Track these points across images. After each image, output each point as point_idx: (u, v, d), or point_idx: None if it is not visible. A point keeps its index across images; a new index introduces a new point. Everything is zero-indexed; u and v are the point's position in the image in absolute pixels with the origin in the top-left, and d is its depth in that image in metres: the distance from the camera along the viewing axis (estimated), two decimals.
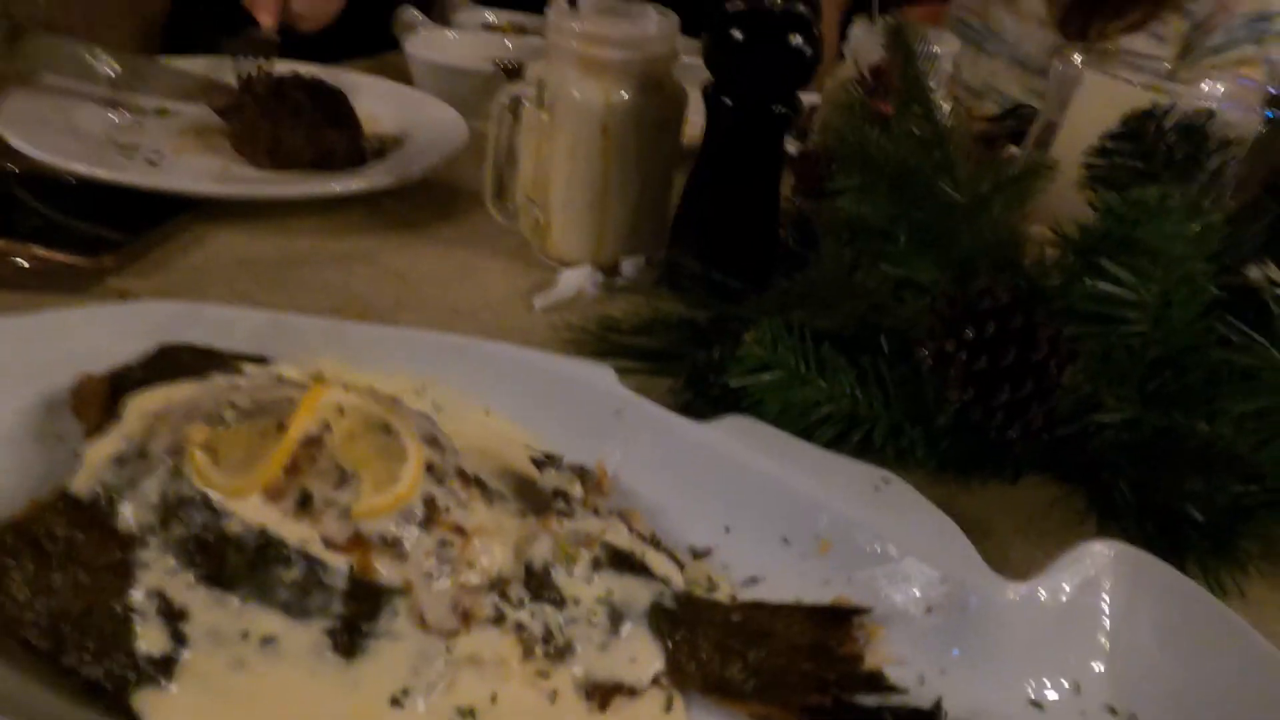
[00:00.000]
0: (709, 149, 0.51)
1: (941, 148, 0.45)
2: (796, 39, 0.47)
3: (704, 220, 0.53)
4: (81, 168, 0.51)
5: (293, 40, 0.76)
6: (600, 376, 0.39)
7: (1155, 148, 0.39)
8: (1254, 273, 0.39)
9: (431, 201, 0.62)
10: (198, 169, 0.59)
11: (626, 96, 0.50)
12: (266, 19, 0.70)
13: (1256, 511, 0.36)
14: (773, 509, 0.35)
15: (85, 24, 0.72)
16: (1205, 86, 0.51)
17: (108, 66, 0.62)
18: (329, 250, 0.54)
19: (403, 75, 0.80)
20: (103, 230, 0.51)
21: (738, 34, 0.46)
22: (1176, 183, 0.38)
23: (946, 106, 0.62)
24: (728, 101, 0.48)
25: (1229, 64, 0.95)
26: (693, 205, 0.53)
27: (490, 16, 0.98)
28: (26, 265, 0.46)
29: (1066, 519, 0.40)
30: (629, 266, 0.54)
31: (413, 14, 0.93)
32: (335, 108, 0.61)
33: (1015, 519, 0.41)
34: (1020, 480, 0.43)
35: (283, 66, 0.71)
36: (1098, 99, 0.48)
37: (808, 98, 0.59)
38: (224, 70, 0.70)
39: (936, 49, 0.61)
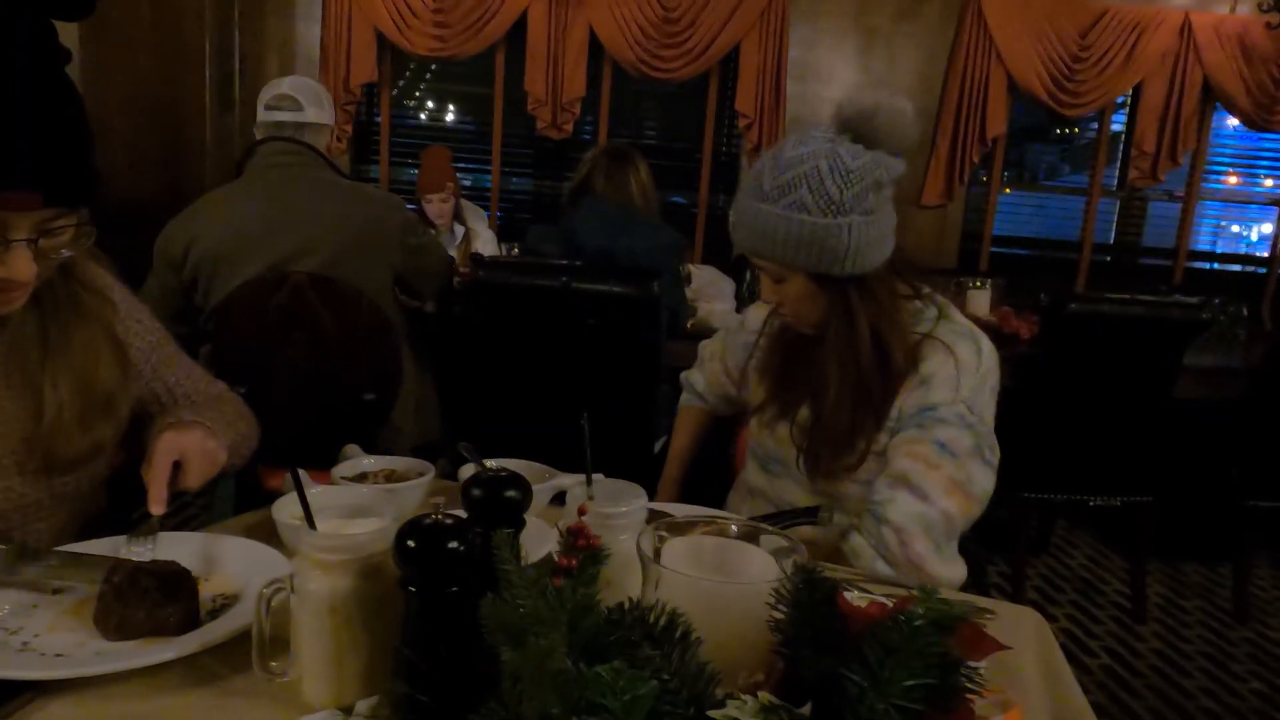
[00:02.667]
0: (407, 615, 0.69)
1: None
2: (453, 544, 0.67)
3: (412, 663, 0.69)
4: None
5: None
6: None
7: (640, 624, 0.57)
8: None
9: (240, 651, 0.79)
10: (61, 644, 0.78)
11: (348, 584, 0.70)
12: (156, 509, 0.94)
13: None
14: None
15: (22, 521, 0.97)
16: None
17: (24, 566, 0.85)
18: (138, 714, 0.71)
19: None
20: None
21: (410, 543, 0.67)
22: (657, 652, 0.55)
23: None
24: (411, 588, 0.68)
25: (901, 444, 1.11)
26: (402, 653, 0.70)
27: (368, 464, 1.24)
28: None
29: None
30: (362, 706, 0.70)
31: (301, 475, 1.19)
32: (176, 587, 0.82)
33: None
34: None
35: (169, 538, 0.95)
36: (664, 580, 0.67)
37: None
38: (120, 549, 0.93)
39: (623, 509, 0.83)
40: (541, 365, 2.32)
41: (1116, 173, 4.61)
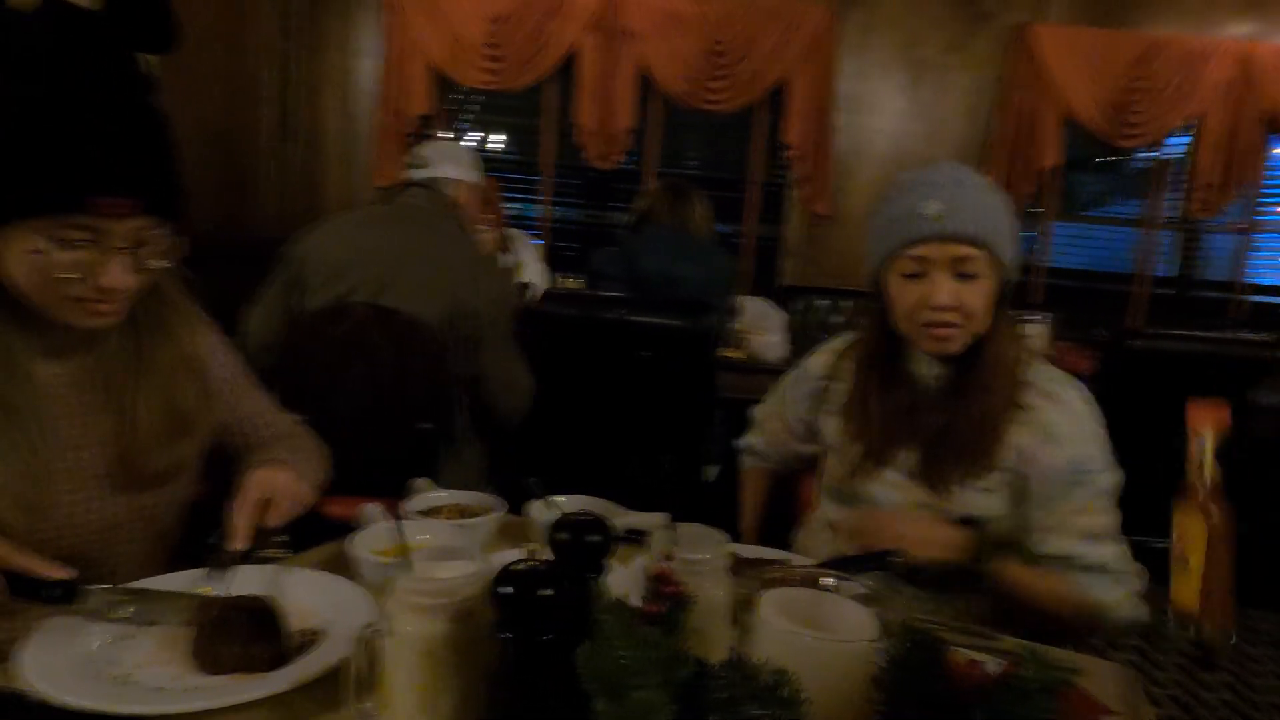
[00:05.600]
0: (502, 660, 0.69)
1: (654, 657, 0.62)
2: (548, 591, 0.67)
3: (507, 707, 0.69)
4: (71, 699, 0.72)
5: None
6: None
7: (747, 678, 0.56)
8: None
9: (327, 691, 0.80)
10: (159, 678, 0.80)
11: (441, 627, 0.70)
12: (237, 544, 0.96)
13: None
14: None
15: (111, 542, 0.99)
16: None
17: (122, 606, 0.87)
18: None
19: None
20: None
21: (505, 589, 0.68)
22: (765, 712, 0.54)
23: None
24: (506, 634, 0.68)
25: (1070, 513, 1.13)
26: (497, 697, 0.70)
27: (438, 498, 1.25)
28: None
29: None
30: None
31: (374, 511, 1.21)
32: (265, 625, 0.83)
33: None
34: None
35: (248, 570, 0.96)
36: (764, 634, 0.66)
37: None
38: (201, 581, 0.94)
39: (706, 555, 0.83)
40: (595, 396, 2.33)
41: (1164, 202, 4.52)
